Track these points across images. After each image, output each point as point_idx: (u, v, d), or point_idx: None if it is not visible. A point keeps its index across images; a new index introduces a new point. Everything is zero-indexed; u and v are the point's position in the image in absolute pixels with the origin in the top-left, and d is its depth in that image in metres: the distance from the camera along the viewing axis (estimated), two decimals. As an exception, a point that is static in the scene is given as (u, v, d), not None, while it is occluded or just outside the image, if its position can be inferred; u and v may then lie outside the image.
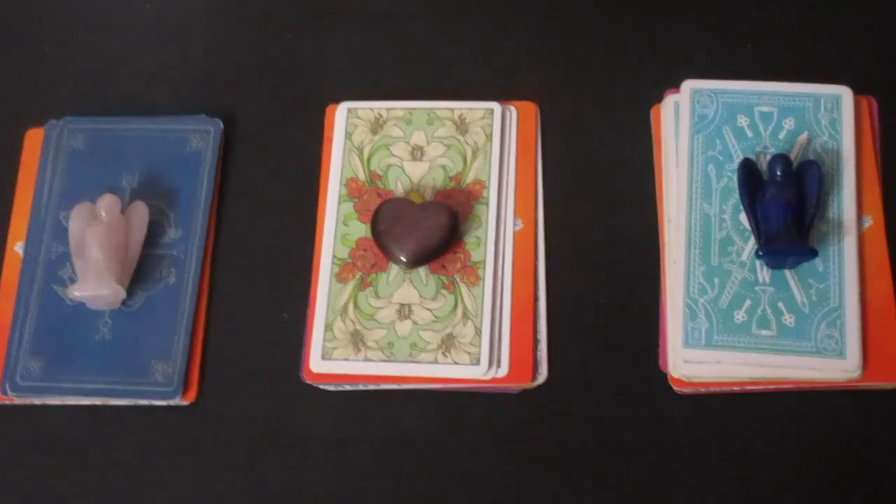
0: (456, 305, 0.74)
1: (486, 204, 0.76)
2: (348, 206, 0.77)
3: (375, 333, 0.73)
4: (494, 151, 0.78)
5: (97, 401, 0.74)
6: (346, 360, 0.73)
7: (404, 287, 0.74)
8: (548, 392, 0.73)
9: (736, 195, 0.74)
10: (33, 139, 0.81)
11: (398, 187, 0.77)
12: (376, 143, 0.79)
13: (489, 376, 0.72)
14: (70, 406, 0.74)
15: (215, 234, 0.78)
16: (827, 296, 0.72)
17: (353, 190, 0.78)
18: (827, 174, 0.74)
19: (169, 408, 0.74)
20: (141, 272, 0.76)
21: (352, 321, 0.74)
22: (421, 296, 0.74)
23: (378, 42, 0.84)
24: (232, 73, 0.84)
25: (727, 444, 0.71)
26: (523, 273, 0.75)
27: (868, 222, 0.74)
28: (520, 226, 0.76)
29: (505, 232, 0.76)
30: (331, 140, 0.79)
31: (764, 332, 0.71)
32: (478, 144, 0.78)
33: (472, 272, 0.74)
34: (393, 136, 0.79)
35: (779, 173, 0.73)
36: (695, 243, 0.73)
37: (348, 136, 0.79)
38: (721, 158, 0.75)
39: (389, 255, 0.74)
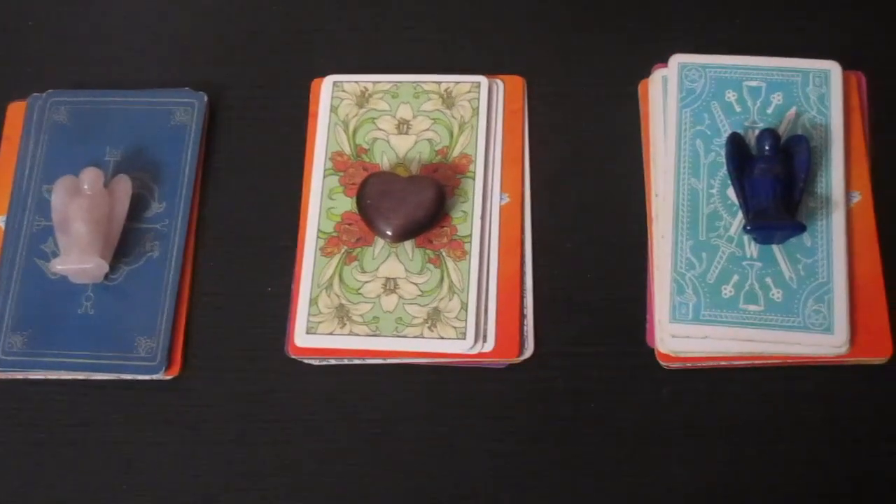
0: (442, 280, 0.73)
1: (473, 178, 0.76)
2: (334, 181, 0.77)
3: (361, 308, 0.73)
4: (481, 125, 0.77)
5: (80, 375, 0.73)
6: (331, 334, 0.72)
7: (390, 261, 0.74)
8: (534, 367, 0.73)
9: (724, 170, 0.73)
10: (16, 112, 0.80)
11: (384, 161, 0.77)
12: (362, 116, 0.78)
13: (475, 351, 0.72)
14: (53, 381, 0.74)
15: (200, 208, 0.78)
16: (815, 271, 0.71)
17: (338, 164, 0.77)
18: (815, 149, 0.74)
19: (152, 383, 0.73)
20: (124, 246, 0.75)
21: (337, 295, 0.73)
22: (407, 270, 0.74)
23: (365, 15, 0.84)
24: (217, 45, 0.83)
25: (715, 420, 0.71)
26: (510, 248, 0.75)
27: (856, 198, 0.74)
28: (506, 200, 0.76)
29: (491, 206, 0.76)
30: (316, 114, 0.79)
31: (752, 308, 0.71)
32: (464, 118, 0.78)
33: (458, 247, 0.74)
34: (379, 109, 0.78)
35: (767, 148, 0.72)
36: (682, 218, 0.73)
37: (334, 109, 0.79)
38: (709, 133, 0.75)
39: (375, 230, 0.74)
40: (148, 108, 0.79)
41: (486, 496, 0.70)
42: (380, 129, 0.78)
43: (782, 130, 0.74)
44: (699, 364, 0.71)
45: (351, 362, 0.73)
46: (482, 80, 0.79)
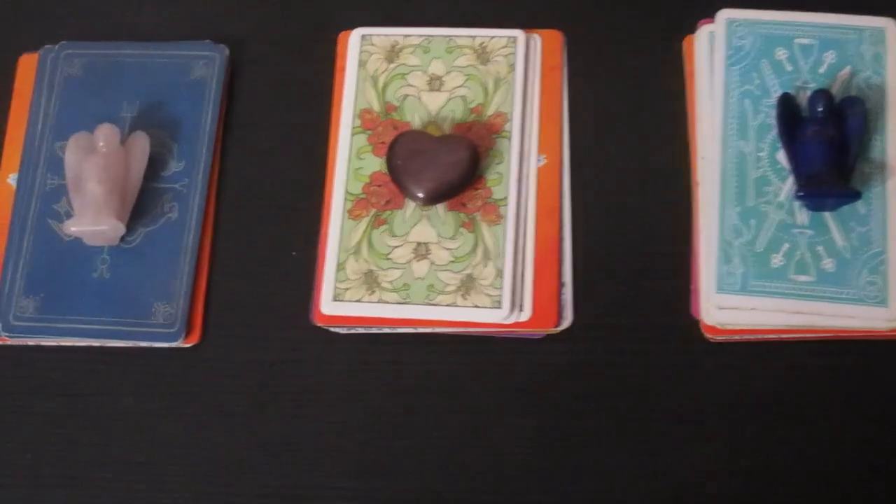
0: (476, 245, 0.72)
1: (509, 138, 0.74)
2: (362, 139, 0.75)
3: (390, 274, 0.71)
4: (517, 82, 0.75)
5: (95, 342, 0.72)
6: (358, 301, 0.71)
7: (421, 225, 0.72)
8: (573, 338, 0.71)
9: (773, 132, 0.72)
10: (27, 65, 0.79)
11: (415, 119, 0.75)
12: (392, 72, 0.76)
13: (511, 321, 0.70)
14: (66, 348, 0.73)
15: (220, 167, 0.76)
16: (869, 240, 0.69)
17: (366, 122, 0.75)
18: (871, 111, 0.71)
19: (170, 351, 0.72)
20: (141, 207, 0.74)
21: (365, 261, 0.72)
22: (439, 235, 0.72)
23: (395, -36, 0.82)
24: None
25: (761, 396, 0.69)
26: (547, 212, 0.73)
27: (913, 163, 0.72)
28: (543, 162, 0.74)
29: (528, 168, 0.74)
30: (343, 69, 0.77)
31: (802, 278, 0.69)
32: (500, 75, 0.76)
33: (492, 210, 0.72)
34: (409, 64, 0.77)
35: (820, 110, 0.70)
36: (729, 183, 0.71)
37: (362, 64, 0.77)
38: (758, 93, 0.73)
39: (405, 192, 0.72)
40: (166, 62, 0.78)
41: (518, 473, 0.69)
42: (410, 86, 0.76)
43: (835, 91, 0.72)
44: (745, 337, 0.70)
45: (379, 331, 0.72)
46: (519, 34, 0.77)
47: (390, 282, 0.71)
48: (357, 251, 0.72)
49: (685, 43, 0.76)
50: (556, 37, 0.77)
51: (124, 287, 0.72)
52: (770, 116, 0.72)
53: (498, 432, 0.69)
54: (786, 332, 0.69)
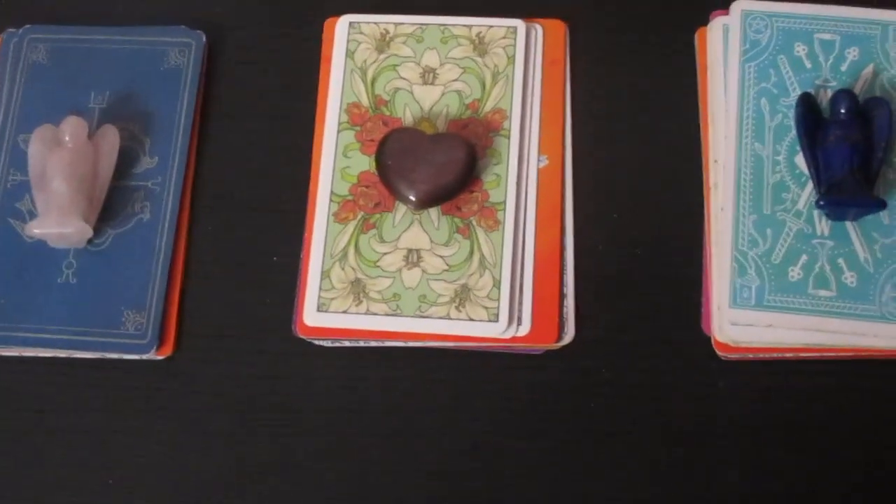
0: (472, 253, 0.70)
1: (508, 137, 0.72)
2: (349, 136, 0.73)
3: (379, 283, 0.69)
4: (517, 76, 0.74)
5: (60, 353, 0.70)
6: (345, 312, 0.69)
7: (413, 230, 0.71)
8: (575, 354, 0.69)
9: (792, 134, 0.70)
10: None
11: (407, 115, 0.73)
12: (382, 63, 0.75)
13: (509, 335, 0.68)
14: (29, 358, 0.71)
15: (196, 164, 0.75)
16: (893, 252, 0.67)
17: (354, 117, 0.74)
18: None
19: (142, 363, 0.70)
20: (111, 207, 0.72)
21: (352, 268, 0.70)
22: (432, 241, 0.70)
23: (386, -53, 0.80)
24: None
25: (776, 418, 0.67)
26: (548, 217, 0.71)
27: (942, 170, 0.70)
28: (545, 163, 0.72)
29: (528, 170, 0.72)
30: (330, 59, 0.75)
31: (822, 293, 0.67)
32: (498, 68, 0.74)
33: (490, 215, 0.70)
34: (401, 55, 0.75)
35: (843, 111, 0.68)
36: (745, 188, 0.69)
37: (350, 54, 0.75)
38: (775, 92, 0.71)
39: (396, 194, 0.70)
40: (138, 48, 0.76)
41: (516, 498, 0.67)
42: (402, 78, 0.74)
43: (858, 91, 0.70)
44: (761, 355, 0.68)
45: (367, 344, 0.70)
46: (519, 24, 0.75)
47: (379, 291, 0.69)
48: (343, 258, 0.70)
49: (698, 35, 0.75)
50: (560, 27, 0.76)
51: (92, 293, 0.70)
52: (788, 117, 0.70)
53: (494, 454, 0.67)
54: (804, 351, 0.67)
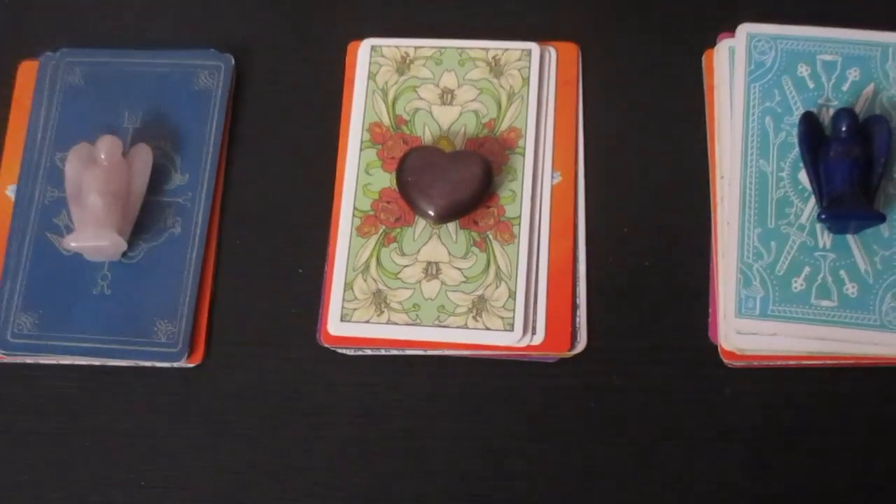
0: (488, 265, 0.70)
1: (522, 154, 0.73)
2: (371, 154, 0.74)
3: (400, 294, 0.70)
4: (532, 97, 0.74)
5: (95, 361, 0.71)
6: (367, 322, 0.70)
7: (432, 244, 0.71)
8: (587, 362, 0.70)
9: (795, 151, 0.70)
10: (27, 73, 0.77)
11: (426, 134, 0.74)
12: (402, 84, 0.75)
13: (523, 344, 0.69)
14: (65, 366, 0.71)
15: (225, 180, 0.75)
16: (893, 264, 0.68)
17: (376, 136, 0.74)
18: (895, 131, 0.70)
19: (172, 370, 0.71)
20: (144, 221, 0.73)
21: (374, 280, 0.70)
22: (450, 254, 0.71)
23: (406, -27, 0.81)
24: (245, 3, 0.80)
25: (781, 424, 0.68)
26: (562, 231, 0.72)
27: (939, 184, 0.71)
28: (558, 179, 0.73)
29: (542, 186, 0.73)
30: (352, 80, 0.76)
31: (824, 303, 0.68)
32: (513, 89, 0.74)
33: (506, 229, 0.71)
34: (421, 77, 0.75)
35: (844, 129, 0.69)
36: (750, 203, 0.70)
37: (372, 76, 0.76)
38: (779, 111, 0.72)
39: (416, 209, 0.71)
40: (170, 70, 0.77)
41: (531, 501, 0.67)
42: (421, 99, 0.75)
43: (859, 110, 0.71)
44: (766, 363, 0.68)
45: (388, 353, 0.71)
46: (533, 46, 0.75)
47: (399, 302, 0.70)
48: (366, 269, 0.70)
49: (705, 56, 0.75)
50: (572, 49, 0.76)
51: (125, 304, 0.71)
52: (792, 135, 0.71)
53: (508, 458, 0.68)
54: (807, 359, 0.68)
